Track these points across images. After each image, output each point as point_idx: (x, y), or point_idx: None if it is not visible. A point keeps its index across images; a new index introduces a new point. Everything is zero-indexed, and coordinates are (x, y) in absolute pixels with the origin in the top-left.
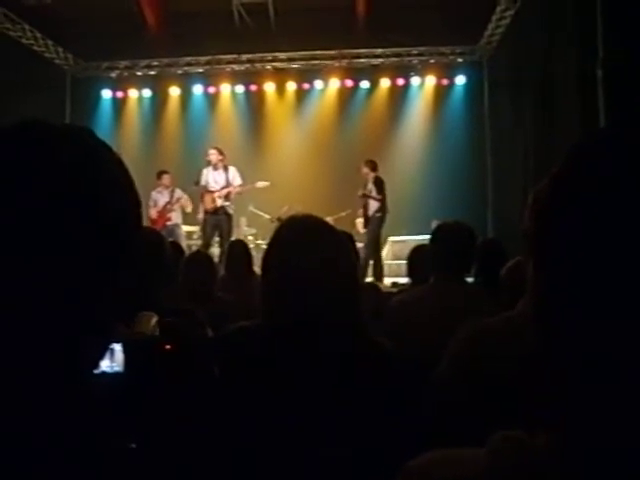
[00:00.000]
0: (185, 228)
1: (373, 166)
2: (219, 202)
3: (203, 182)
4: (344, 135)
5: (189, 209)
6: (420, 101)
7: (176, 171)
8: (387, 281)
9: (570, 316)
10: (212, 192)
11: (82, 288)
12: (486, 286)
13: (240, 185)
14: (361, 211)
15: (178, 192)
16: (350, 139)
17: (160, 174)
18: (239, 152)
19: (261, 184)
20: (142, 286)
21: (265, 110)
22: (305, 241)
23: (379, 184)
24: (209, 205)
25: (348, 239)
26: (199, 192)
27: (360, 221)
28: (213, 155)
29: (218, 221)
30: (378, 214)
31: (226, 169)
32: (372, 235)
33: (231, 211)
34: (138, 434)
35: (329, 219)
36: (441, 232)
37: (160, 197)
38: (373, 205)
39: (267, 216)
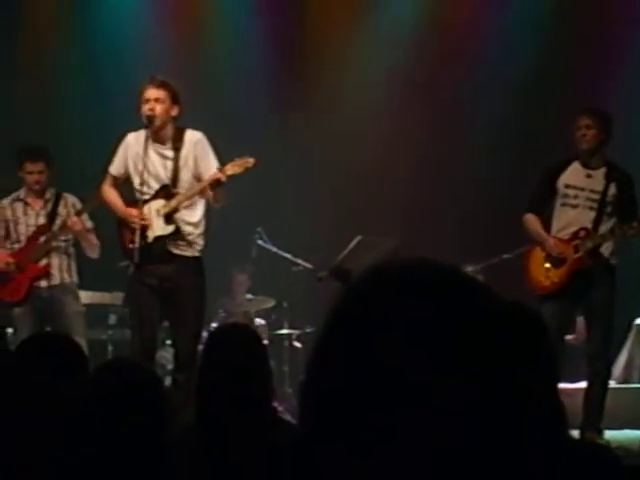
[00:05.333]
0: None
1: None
2: (155, 230)
3: (115, 172)
4: None
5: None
6: None
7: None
8: None
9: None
10: (136, 205)
11: None
12: None
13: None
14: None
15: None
16: None
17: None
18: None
19: (239, 165)
20: None
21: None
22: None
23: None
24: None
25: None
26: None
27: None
28: (153, 103)
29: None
30: (613, 260)
31: (179, 142)
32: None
33: (188, 253)
34: None
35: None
36: None
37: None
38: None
39: (308, 265)
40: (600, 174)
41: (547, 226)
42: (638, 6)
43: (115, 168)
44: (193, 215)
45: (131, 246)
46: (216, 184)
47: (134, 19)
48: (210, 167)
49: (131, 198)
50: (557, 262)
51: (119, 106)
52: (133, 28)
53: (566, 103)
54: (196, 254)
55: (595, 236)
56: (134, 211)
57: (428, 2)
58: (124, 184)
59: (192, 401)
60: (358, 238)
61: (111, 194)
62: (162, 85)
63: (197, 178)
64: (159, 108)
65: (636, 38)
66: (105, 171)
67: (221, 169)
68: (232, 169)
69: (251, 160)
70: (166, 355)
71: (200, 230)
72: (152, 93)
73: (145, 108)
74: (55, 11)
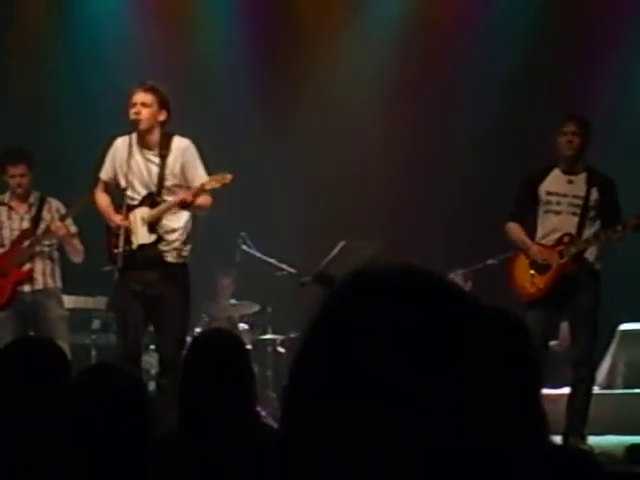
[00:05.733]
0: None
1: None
2: (139, 238)
3: (106, 177)
4: None
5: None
6: None
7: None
8: None
9: None
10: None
11: None
12: None
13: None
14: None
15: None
16: None
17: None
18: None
19: (217, 180)
20: None
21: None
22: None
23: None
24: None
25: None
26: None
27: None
28: (139, 107)
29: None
30: (598, 265)
31: (166, 148)
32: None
33: (172, 259)
34: None
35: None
36: None
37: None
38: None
39: (292, 270)
40: (581, 179)
41: (530, 233)
42: (624, 4)
43: (105, 173)
44: (177, 220)
45: (115, 251)
46: (182, 204)
47: (117, 20)
48: (198, 176)
49: (120, 203)
50: (542, 268)
51: (103, 108)
52: (116, 29)
53: (553, 101)
54: (181, 260)
55: (579, 241)
56: (118, 217)
57: (415, 1)
58: (116, 188)
59: (176, 405)
60: (342, 243)
61: (103, 200)
62: (150, 89)
63: (185, 186)
64: (145, 112)
65: (622, 36)
66: (95, 176)
67: (200, 185)
68: (210, 183)
69: (229, 177)
70: (150, 360)
71: (185, 236)
72: (139, 97)
73: (131, 112)
74: (40, 12)
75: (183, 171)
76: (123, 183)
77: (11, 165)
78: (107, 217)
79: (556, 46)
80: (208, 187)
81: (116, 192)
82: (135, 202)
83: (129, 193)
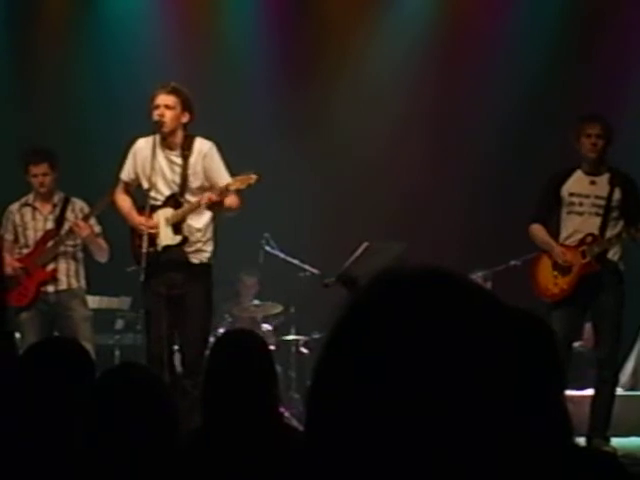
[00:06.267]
0: None
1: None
2: (163, 239)
3: (126, 178)
4: None
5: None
6: None
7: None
8: None
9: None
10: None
11: None
12: None
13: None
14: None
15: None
16: None
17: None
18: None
19: (241, 180)
20: None
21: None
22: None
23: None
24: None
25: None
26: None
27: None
28: (163, 109)
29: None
30: (621, 266)
31: (188, 150)
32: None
33: (195, 260)
34: None
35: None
36: None
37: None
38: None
39: (315, 271)
40: (604, 180)
41: (553, 235)
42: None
43: (126, 174)
44: (199, 221)
45: (138, 252)
46: (209, 204)
47: (141, 20)
48: (222, 177)
49: (142, 204)
50: (565, 269)
51: (127, 108)
52: (140, 29)
53: (575, 101)
54: (204, 261)
55: (602, 241)
56: (141, 219)
57: (438, 2)
58: (137, 190)
59: (199, 406)
60: (365, 244)
61: (124, 201)
62: (173, 91)
63: (209, 188)
64: (169, 114)
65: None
66: (117, 177)
67: (225, 186)
68: (235, 184)
69: (254, 177)
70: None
71: (208, 236)
72: (162, 99)
73: (155, 114)
74: (64, 12)
75: (206, 172)
76: (145, 184)
77: (33, 165)
78: (129, 218)
79: (580, 45)
80: (233, 187)
81: (137, 193)
82: (158, 203)
83: (152, 194)
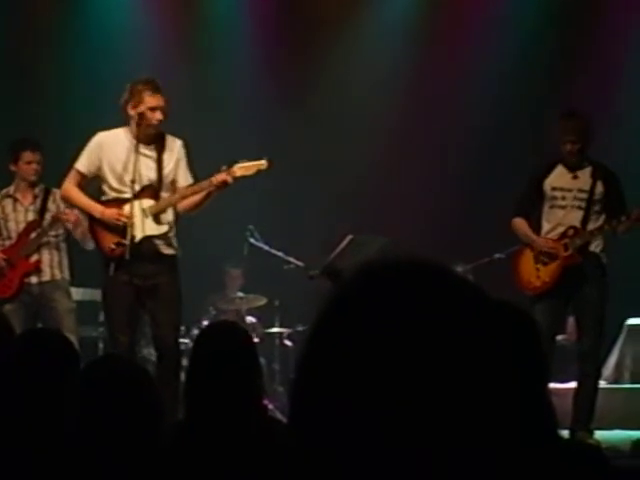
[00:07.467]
0: None
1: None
2: (145, 230)
3: (85, 170)
4: None
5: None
6: None
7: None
8: None
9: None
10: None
11: None
12: None
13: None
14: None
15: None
16: None
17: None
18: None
19: (249, 167)
20: None
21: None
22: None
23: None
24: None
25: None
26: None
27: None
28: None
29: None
30: (604, 259)
31: (161, 145)
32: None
33: (167, 251)
34: None
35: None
36: None
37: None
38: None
39: (299, 263)
40: (586, 173)
41: (535, 229)
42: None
43: (85, 166)
44: (170, 213)
45: (113, 246)
46: (223, 186)
47: (128, 13)
48: (185, 176)
49: (95, 198)
50: (547, 261)
51: (112, 101)
52: (127, 22)
53: (560, 96)
54: (174, 252)
55: (584, 233)
56: (113, 210)
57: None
58: (88, 184)
59: (176, 394)
60: (349, 237)
61: (79, 193)
62: (161, 89)
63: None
64: (163, 115)
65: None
66: (70, 168)
67: (228, 170)
68: (241, 171)
69: (264, 162)
70: (153, 351)
71: (175, 229)
72: (160, 100)
73: (154, 116)
74: (51, 5)
75: (176, 169)
76: (112, 180)
77: (30, 151)
78: (91, 210)
79: (565, 40)
80: (239, 174)
81: (87, 185)
82: (126, 195)
83: (119, 187)
